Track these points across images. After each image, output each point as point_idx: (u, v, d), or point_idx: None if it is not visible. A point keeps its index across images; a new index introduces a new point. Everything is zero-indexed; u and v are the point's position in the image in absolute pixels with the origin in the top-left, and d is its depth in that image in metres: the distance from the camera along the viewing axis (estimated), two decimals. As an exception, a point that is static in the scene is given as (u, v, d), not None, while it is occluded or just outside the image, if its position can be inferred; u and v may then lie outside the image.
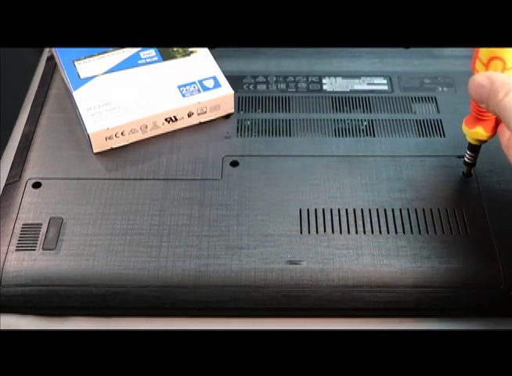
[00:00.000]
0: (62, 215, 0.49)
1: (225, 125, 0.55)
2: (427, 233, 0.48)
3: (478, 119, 0.46)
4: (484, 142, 0.47)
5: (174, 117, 0.54)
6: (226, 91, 0.55)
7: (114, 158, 0.53)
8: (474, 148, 0.49)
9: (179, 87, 0.55)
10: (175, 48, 0.58)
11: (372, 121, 0.55)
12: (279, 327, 0.45)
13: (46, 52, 0.65)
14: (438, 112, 0.56)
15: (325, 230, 0.48)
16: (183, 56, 0.58)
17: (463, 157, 0.52)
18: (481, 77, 0.43)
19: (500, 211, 0.49)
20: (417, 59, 0.61)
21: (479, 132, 0.46)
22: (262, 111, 0.56)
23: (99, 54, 0.57)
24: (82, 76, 0.56)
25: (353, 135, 0.54)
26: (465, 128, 0.47)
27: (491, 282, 0.45)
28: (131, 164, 0.52)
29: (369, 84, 0.59)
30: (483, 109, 0.45)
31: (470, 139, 0.48)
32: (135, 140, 0.54)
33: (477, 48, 0.44)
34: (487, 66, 0.43)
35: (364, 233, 0.48)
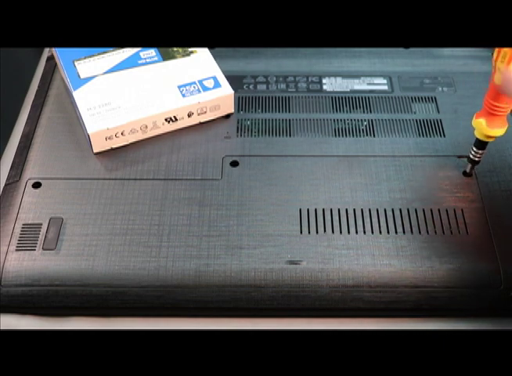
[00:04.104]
0: (62, 215, 0.49)
1: (225, 125, 0.55)
2: (427, 233, 0.48)
3: (493, 115, 0.45)
4: (494, 138, 0.47)
5: (174, 117, 0.54)
6: (226, 91, 0.55)
7: (114, 158, 0.53)
8: (483, 145, 0.48)
9: (179, 87, 0.55)
10: (175, 48, 0.58)
11: (372, 121, 0.56)
12: (279, 327, 0.46)
13: (46, 52, 0.65)
14: (438, 112, 0.56)
15: (325, 230, 0.48)
16: (183, 56, 0.58)
17: (463, 157, 0.52)
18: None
19: (500, 211, 0.49)
20: (417, 59, 0.61)
21: (494, 129, 0.46)
22: (262, 111, 0.56)
23: (99, 54, 0.57)
24: (82, 76, 0.56)
25: (353, 135, 0.54)
26: (477, 125, 0.47)
27: (491, 282, 0.45)
28: (131, 164, 0.52)
29: (369, 84, 0.59)
30: (498, 104, 0.44)
31: (480, 136, 0.48)
32: (135, 140, 0.54)
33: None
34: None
35: (364, 233, 0.48)
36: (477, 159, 0.50)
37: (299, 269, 0.46)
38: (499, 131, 0.46)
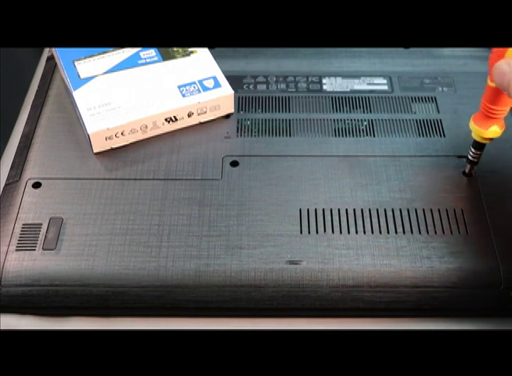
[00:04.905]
0: (62, 215, 0.49)
1: (225, 125, 0.55)
2: (427, 233, 0.48)
3: (490, 117, 0.45)
4: (491, 140, 0.47)
5: (174, 117, 0.54)
6: (226, 91, 0.55)
7: (114, 158, 0.53)
8: (480, 146, 0.48)
9: (179, 87, 0.55)
10: (175, 48, 0.58)
11: (372, 121, 0.56)
12: (279, 327, 0.46)
13: (46, 52, 0.65)
14: (438, 112, 0.56)
15: (325, 230, 0.48)
16: (183, 56, 0.58)
17: (463, 157, 0.52)
18: (504, 64, 0.41)
19: (500, 211, 0.49)
20: (417, 59, 0.61)
21: (495, 131, 0.46)
22: (262, 111, 0.56)
23: (99, 54, 0.57)
24: (82, 76, 0.56)
25: (353, 135, 0.54)
26: (473, 126, 0.47)
27: (491, 282, 0.45)
28: (131, 164, 0.52)
29: (369, 84, 0.59)
30: (495, 107, 0.44)
31: (476, 137, 0.48)
32: (135, 140, 0.54)
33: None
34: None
35: (364, 233, 0.48)
36: (475, 160, 0.50)
37: (299, 269, 0.46)
38: (495, 133, 0.46)
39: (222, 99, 0.55)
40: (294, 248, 0.47)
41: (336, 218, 0.48)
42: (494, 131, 0.46)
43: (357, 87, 0.58)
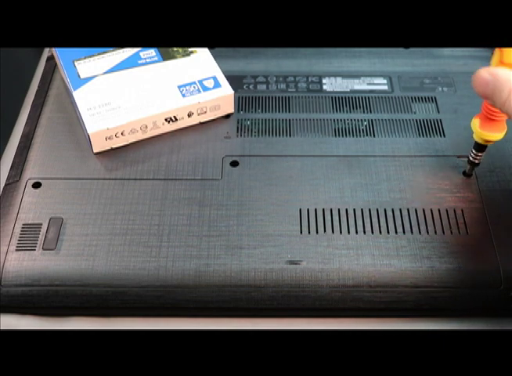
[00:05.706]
0: (62, 215, 0.49)
1: (225, 125, 0.55)
2: (427, 233, 0.48)
3: (491, 119, 0.45)
4: (493, 142, 0.47)
5: (174, 117, 0.54)
6: (226, 91, 0.55)
7: (114, 158, 0.53)
8: (481, 148, 0.48)
9: (179, 87, 0.55)
10: (175, 48, 0.58)
11: (372, 121, 0.56)
12: (279, 327, 0.46)
13: (46, 52, 0.65)
14: (438, 112, 0.56)
15: (325, 230, 0.48)
16: (183, 56, 0.58)
17: (463, 157, 0.52)
18: (484, 73, 0.40)
19: (500, 211, 0.49)
20: (417, 59, 0.61)
21: (492, 134, 0.46)
22: (262, 111, 0.56)
23: (99, 54, 0.57)
24: (82, 76, 0.56)
25: (353, 135, 0.54)
26: (475, 128, 0.47)
27: (491, 282, 0.45)
28: (131, 164, 0.52)
29: (369, 84, 0.59)
30: (496, 109, 0.44)
31: (478, 139, 0.48)
32: (135, 140, 0.54)
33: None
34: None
35: (364, 233, 0.48)
36: (476, 161, 0.50)
37: (299, 269, 0.46)
38: (497, 135, 0.46)
39: (222, 99, 0.55)
40: (294, 248, 0.47)
41: (336, 218, 0.48)
42: (496, 133, 0.46)
43: (357, 87, 0.58)
